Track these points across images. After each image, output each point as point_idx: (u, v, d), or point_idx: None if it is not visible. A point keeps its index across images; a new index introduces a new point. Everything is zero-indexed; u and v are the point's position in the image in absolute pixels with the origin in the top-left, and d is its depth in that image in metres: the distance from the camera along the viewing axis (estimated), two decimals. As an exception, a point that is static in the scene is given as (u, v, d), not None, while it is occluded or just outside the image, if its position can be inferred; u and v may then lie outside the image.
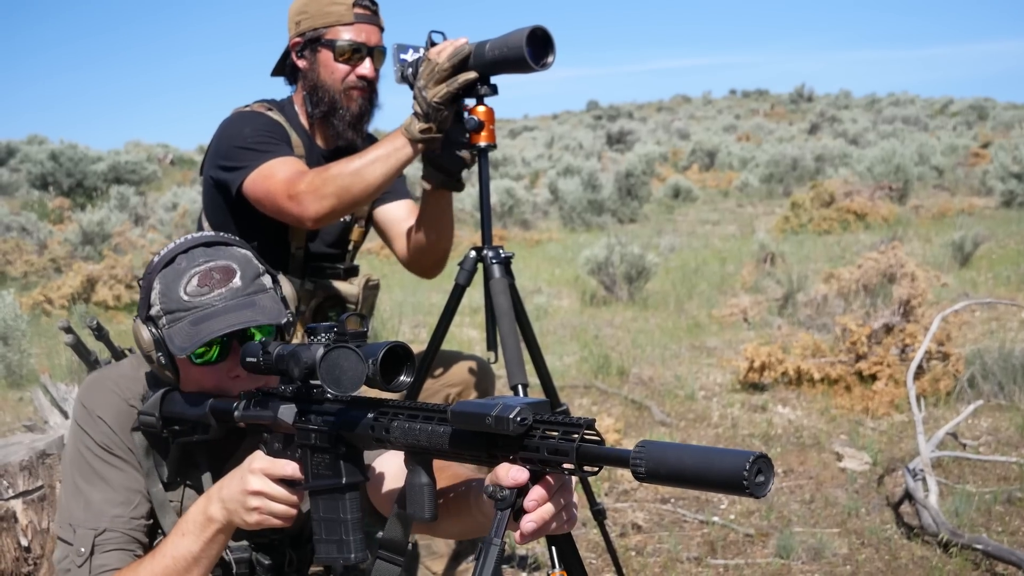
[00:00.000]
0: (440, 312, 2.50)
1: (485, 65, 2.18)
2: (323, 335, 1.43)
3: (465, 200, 12.66)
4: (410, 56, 2.32)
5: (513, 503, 1.21)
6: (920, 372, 4.84)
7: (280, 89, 2.66)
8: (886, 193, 12.86)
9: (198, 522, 1.54)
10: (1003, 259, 8.70)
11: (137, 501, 1.68)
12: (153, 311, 1.63)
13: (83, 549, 1.62)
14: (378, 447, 1.42)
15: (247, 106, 2.54)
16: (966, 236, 8.69)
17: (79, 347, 2.51)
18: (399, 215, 2.66)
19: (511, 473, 1.21)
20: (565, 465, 1.17)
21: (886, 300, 5.72)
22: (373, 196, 2.33)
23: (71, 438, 1.72)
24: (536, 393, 2.38)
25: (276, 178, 2.29)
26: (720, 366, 5.70)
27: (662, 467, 1.07)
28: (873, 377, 4.97)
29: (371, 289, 2.68)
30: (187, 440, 1.68)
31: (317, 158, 2.52)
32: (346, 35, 2.45)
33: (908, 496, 3.49)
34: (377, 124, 2.66)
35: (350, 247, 2.72)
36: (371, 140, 2.57)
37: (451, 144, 2.27)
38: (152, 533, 1.71)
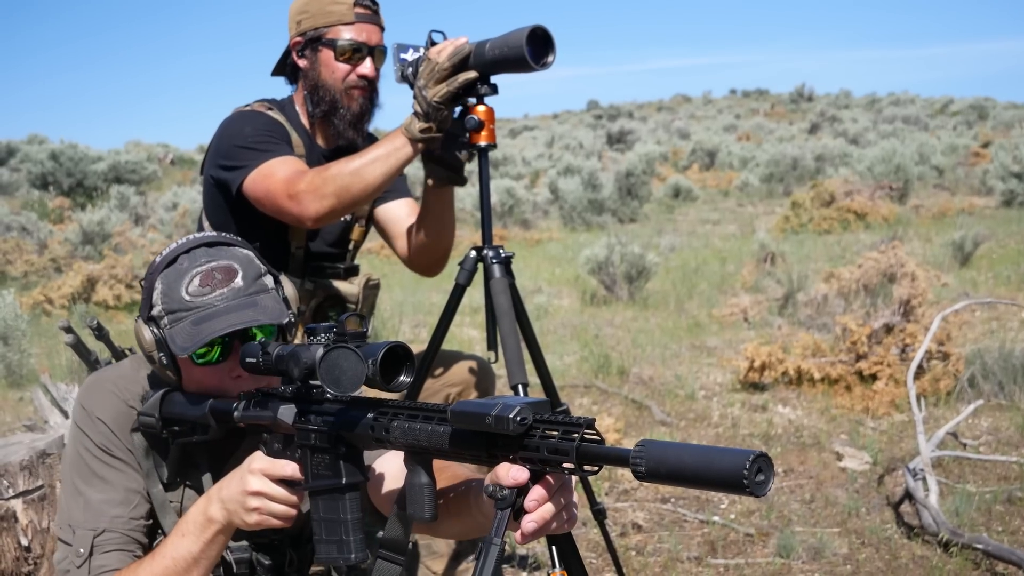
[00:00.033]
0: (440, 312, 2.50)
1: (485, 64, 2.18)
2: (323, 335, 1.43)
3: (465, 200, 12.66)
4: (410, 56, 2.32)
5: (513, 503, 1.20)
6: (920, 372, 4.84)
7: (281, 89, 2.66)
8: (886, 193, 12.86)
9: (198, 523, 1.54)
10: (1003, 259, 8.70)
11: (136, 502, 1.68)
12: (155, 311, 1.63)
13: (82, 550, 1.62)
14: (378, 447, 1.42)
15: (247, 105, 2.54)
16: (966, 236, 8.69)
17: (79, 347, 2.51)
18: (400, 214, 2.66)
19: (511, 473, 1.21)
20: (565, 465, 1.17)
21: (886, 300, 5.72)
22: (373, 196, 2.33)
23: (71, 440, 1.72)
24: (536, 393, 2.38)
25: (276, 177, 2.29)
26: (720, 366, 5.70)
27: (662, 466, 1.07)
28: (873, 377, 4.97)
29: (371, 289, 2.68)
30: (187, 441, 1.68)
31: (318, 157, 2.52)
32: (347, 34, 2.45)
33: (908, 496, 3.49)
34: (377, 123, 2.66)
35: (351, 246, 2.72)
36: (371, 139, 2.57)
37: (452, 138, 2.27)
38: (152, 534, 1.71)
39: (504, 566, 3.17)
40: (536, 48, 2.12)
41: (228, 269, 1.63)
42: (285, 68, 2.60)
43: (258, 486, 1.49)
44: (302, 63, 2.52)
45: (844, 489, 3.83)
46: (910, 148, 15.58)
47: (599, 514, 2.75)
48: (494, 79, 2.24)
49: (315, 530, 1.49)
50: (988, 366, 4.83)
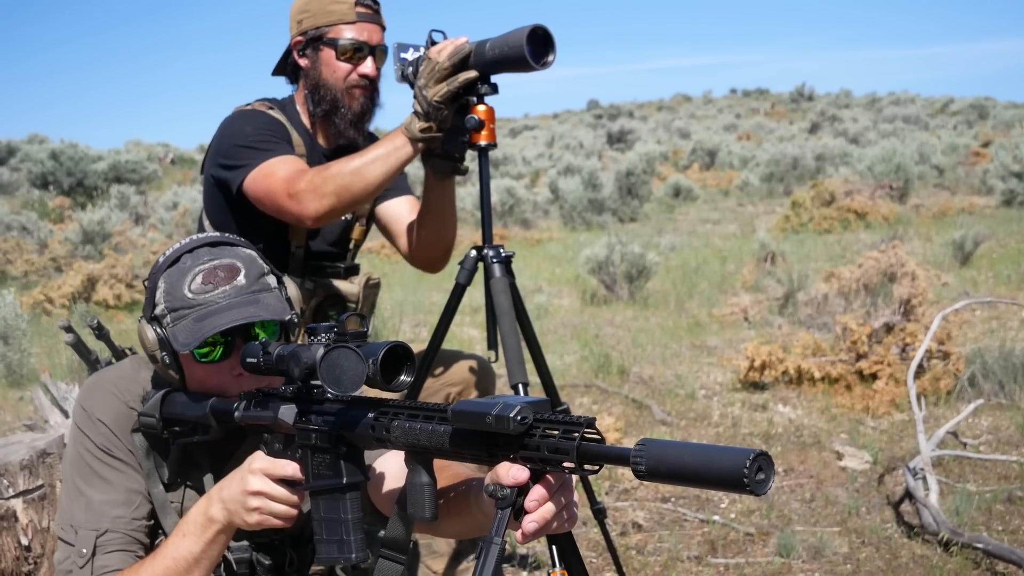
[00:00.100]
0: (441, 311, 2.50)
1: (485, 64, 2.17)
2: (323, 335, 1.43)
3: (466, 199, 12.66)
4: (410, 55, 2.32)
5: (514, 502, 1.20)
6: (920, 371, 4.84)
7: (281, 88, 2.66)
8: (886, 192, 12.86)
9: (199, 523, 1.54)
10: (1003, 258, 8.70)
11: (138, 502, 1.68)
12: (158, 310, 1.64)
13: (85, 550, 1.62)
14: (379, 447, 1.42)
15: (248, 105, 2.54)
16: (966, 235, 8.70)
17: (79, 346, 2.51)
18: (401, 211, 2.66)
19: (511, 472, 1.21)
20: (565, 464, 1.17)
21: (886, 299, 5.72)
22: (373, 195, 2.33)
23: (71, 441, 1.72)
24: (537, 392, 2.38)
25: (276, 176, 2.29)
26: (721, 365, 5.70)
27: (662, 465, 1.07)
28: (873, 376, 4.97)
29: (372, 288, 2.68)
30: (187, 441, 1.68)
31: (318, 157, 2.52)
32: (348, 34, 2.45)
33: (908, 495, 3.49)
34: (378, 123, 2.66)
35: (351, 246, 2.72)
36: (372, 139, 2.57)
37: (453, 131, 2.27)
38: (153, 534, 1.71)
39: (504, 565, 3.17)
40: (536, 47, 2.12)
41: (231, 267, 1.63)
42: (286, 67, 2.60)
43: (259, 486, 1.49)
44: (303, 62, 2.52)
45: (844, 488, 3.84)
46: (910, 148, 15.58)
47: (599, 513, 2.75)
48: (494, 78, 2.24)
49: (316, 530, 1.49)
50: (988, 365, 4.83)
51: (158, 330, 1.63)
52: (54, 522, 2.37)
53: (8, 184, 19.07)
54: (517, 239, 12.35)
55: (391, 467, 1.63)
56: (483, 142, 2.29)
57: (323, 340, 1.43)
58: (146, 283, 1.69)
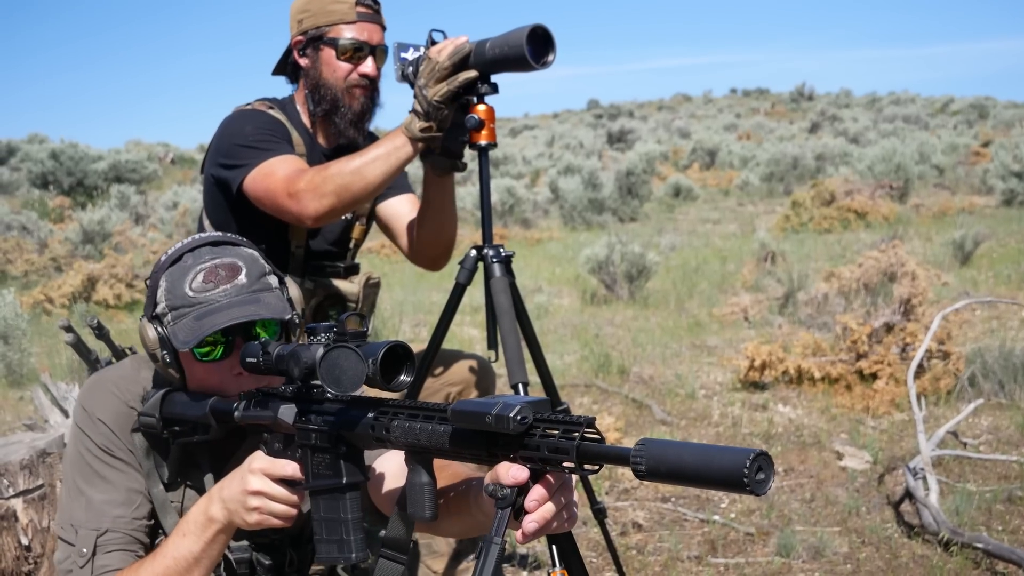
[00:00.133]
0: (441, 311, 2.50)
1: (485, 64, 2.17)
2: (323, 335, 1.43)
3: (466, 199, 12.66)
4: (411, 55, 2.32)
5: (513, 502, 1.20)
6: (921, 371, 4.84)
7: (282, 88, 2.66)
8: (887, 192, 12.86)
9: (199, 522, 1.54)
10: (1004, 258, 8.70)
11: (138, 502, 1.68)
12: (159, 309, 1.64)
13: (85, 550, 1.62)
14: (378, 446, 1.42)
15: (248, 104, 2.54)
16: (967, 235, 8.70)
17: (79, 346, 2.51)
18: (402, 210, 2.66)
19: (511, 472, 1.21)
20: (565, 464, 1.16)
21: (887, 299, 5.72)
22: (373, 195, 2.33)
23: (71, 440, 1.72)
24: (537, 392, 2.38)
25: (276, 176, 2.29)
26: (721, 365, 5.70)
27: (662, 465, 1.07)
28: (874, 376, 4.97)
29: (371, 287, 2.68)
30: (187, 441, 1.68)
31: (318, 156, 2.52)
32: (348, 33, 2.45)
33: (909, 495, 3.49)
34: (378, 123, 2.66)
35: (351, 245, 2.72)
36: (372, 138, 2.57)
37: (452, 129, 2.26)
38: (153, 534, 1.71)
39: (504, 565, 3.17)
40: (536, 47, 2.12)
41: (232, 266, 1.64)
42: (286, 67, 2.60)
43: (259, 486, 1.49)
44: (303, 62, 2.52)
45: (844, 488, 3.84)
46: (910, 147, 15.58)
47: (599, 513, 2.75)
48: (494, 78, 2.24)
49: (316, 530, 1.49)
50: (988, 365, 4.83)
51: (159, 328, 1.64)
52: (54, 522, 2.37)
53: (8, 184, 19.07)
54: (517, 239, 12.35)
55: (391, 467, 1.63)
56: (483, 142, 2.29)
57: (323, 340, 1.43)
58: (148, 282, 1.70)
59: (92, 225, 11.22)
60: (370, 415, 1.40)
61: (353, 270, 2.71)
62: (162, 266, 1.67)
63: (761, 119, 34.07)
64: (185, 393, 1.68)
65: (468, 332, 6.90)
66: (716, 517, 3.58)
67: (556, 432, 1.17)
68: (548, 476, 1.21)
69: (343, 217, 2.57)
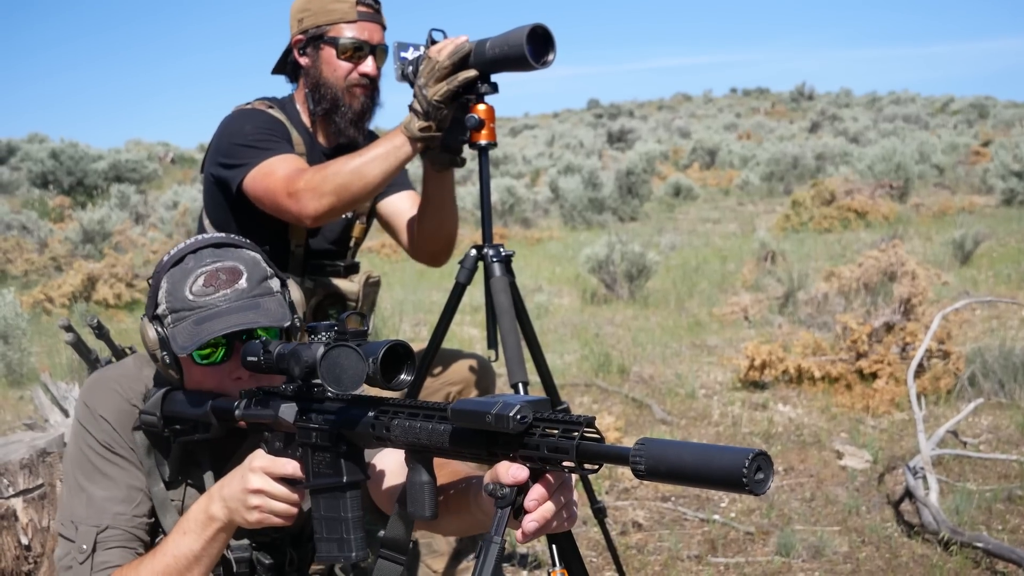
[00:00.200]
0: (441, 310, 2.50)
1: (485, 63, 2.17)
2: (323, 334, 1.43)
3: (466, 199, 12.67)
4: (411, 54, 2.32)
5: (513, 501, 1.20)
6: (921, 370, 4.84)
7: (281, 87, 2.66)
8: (887, 191, 12.86)
9: (199, 521, 1.54)
10: (1004, 257, 8.71)
11: (139, 499, 1.69)
12: (159, 310, 1.64)
13: (85, 546, 1.62)
14: (379, 445, 1.42)
15: (248, 104, 2.55)
16: (967, 234, 8.70)
17: (79, 345, 2.52)
18: (403, 207, 2.66)
19: (511, 471, 1.21)
20: (565, 463, 1.17)
21: (887, 298, 5.72)
22: (372, 194, 2.33)
23: (73, 437, 1.72)
24: (536, 391, 2.38)
25: (275, 176, 2.29)
26: (721, 364, 5.70)
27: (662, 465, 1.07)
28: (874, 375, 4.97)
29: (372, 286, 2.68)
30: (188, 439, 1.68)
31: (318, 156, 2.52)
32: (349, 33, 2.45)
33: (908, 494, 3.49)
34: (378, 122, 2.66)
35: (351, 244, 2.72)
36: (372, 137, 2.57)
37: (452, 125, 2.26)
38: (153, 532, 1.71)
39: (504, 564, 3.17)
40: (536, 47, 2.12)
41: (233, 270, 1.63)
42: (286, 66, 2.60)
43: (259, 484, 1.49)
44: (303, 61, 2.52)
45: (844, 487, 3.84)
46: (910, 147, 15.58)
47: (599, 512, 2.75)
48: (494, 78, 2.24)
49: (316, 528, 1.49)
50: (988, 364, 4.84)
51: (159, 329, 1.64)
52: (55, 519, 2.37)
53: (8, 183, 19.08)
54: (517, 238, 12.35)
55: (390, 464, 1.63)
56: (483, 141, 2.29)
57: (323, 339, 1.43)
58: (150, 281, 1.70)
59: (92, 225, 11.22)
60: (370, 414, 1.40)
61: (353, 269, 2.71)
62: (164, 266, 1.67)
63: (761, 119, 34.08)
64: (186, 392, 1.69)
65: (468, 331, 6.91)
66: (716, 516, 3.58)
67: (556, 431, 1.17)
68: (548, 475, 1.21)
69: (343, 216, 2.58)
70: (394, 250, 11.01)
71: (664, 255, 9.74)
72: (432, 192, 2.45)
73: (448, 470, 1.53)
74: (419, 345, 2.54)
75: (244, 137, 2.38)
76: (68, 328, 2.50)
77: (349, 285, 2.64)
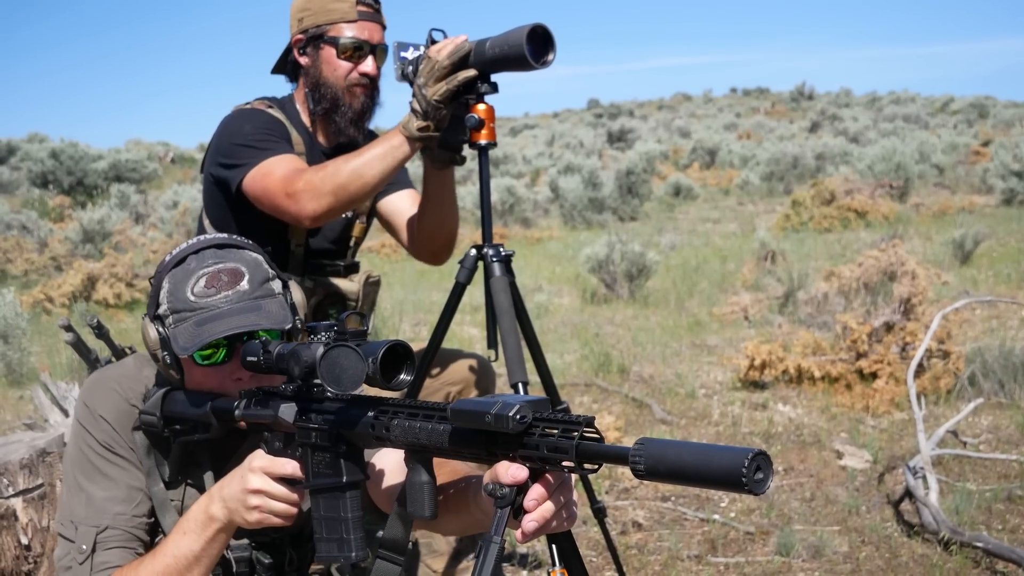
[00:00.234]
0: (440, 310, 2.50)
1: (485, 63, 2.17)
2: (323, 334, 1.43)
3: (466, 198, 12.67)
4: (411, 54, 2.32)
5: (513, 501, 1.20)
6: (920, 370, 4.84)
7: (281, 86, 2.66)
8: (887, 191, 12.87)
9: (199, 521, 1.54)
10: (1003, 257, 8.70)
11: (139, 499, 1.69)
12: (161, 310, 1.64)
13: (84, 546, 1.62)
14: (378, 445, 1.42)
15: (248, 103, 2.55)
16: (967, 234, 8.70)
17: (79, 345, 2.52)
18: (403, 205, 2.66)
19: (510, 471, 1.21)
20: (565, 463, 1.17)
21: (887, 298, 5.72)
22: (371, 194, 2.33)
23: (73, 437, 1.72)
24: (536, 391, 2.38)
25: (274, 176, 2.29)
26: (721, 364, 5.70)
27: (661, 464, 1.07)
28: (874, 375, 4.97)
29: (372, 286, 2.68)
30: (188, 439, 1.68)
31: (318, 155, 2.52)
32: (349, 32, 2.45)
33: (908, 494, 3.49)
34: (378, 122, 2.66)
35: (352, 243, 2.72)
36: (372, 137, 2.57)
37: (451, 122, 2.26)
38: (153, 532, 1.71)
39: (504, 564, 3.17)
40: (536, 46, 2.12)
41: (234, 272, 1.63)
42: (286, 66, 2.60)
43: (259, 484, 1.49)
44: (303, 60, 2.52)
45: (844, 487, 3.84)
46: (910, 146, 15.58)
47: (599, 512, 2.75)
48: (494, 77, 2.24)
49: (316, 528, 1.49)
50: (988, 364, 4.84)
51: (160, 329, 1.64)
52: (54, 519, 2.37)
53: (8, 183, 19.08)
54: (517, 238, 12.35)
55: (389, 463, 1.63)
56: (483, 141, 2.29)
57: (323, 339, 1.43)
58: (152, 281, 1.70)
59: (92, 224, 11.22)
60: (370, 414, 1.40)
61: (353, 268, 2.71)
62: (166, 266, 1.67)
63: (761, 118, 34.08)
64: (186, 392, 1.69)
65: (468, 331, 6.91)
66: (716, 516, 3.58)
67: (555, 431, 1.17)
68: (547, 475, 1.21)
69: (343, 215, 2.57)
70: (394, 250, 11.01)
71: (664, 255, 9.74)
72: (432, 190, 2.45)
73: (447, 469, 1.53)
74: (419, 345, 2.54)
75: (243, 137, 2.38)
76: (68, 328, 2.50)
77: (349, 285, 2.64)
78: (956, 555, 3.11)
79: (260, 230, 2.37)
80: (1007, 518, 3.44)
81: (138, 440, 1.70)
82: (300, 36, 2.50)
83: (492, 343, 2.42)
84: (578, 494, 2.20)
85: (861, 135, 23.76)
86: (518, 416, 1.17)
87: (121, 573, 1.60)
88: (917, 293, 5.24)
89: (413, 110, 2.21)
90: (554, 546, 2.12)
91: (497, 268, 2.37)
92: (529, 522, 1.21)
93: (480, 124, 2.25)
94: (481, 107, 2.25)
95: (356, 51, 2.46)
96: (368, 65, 2.48)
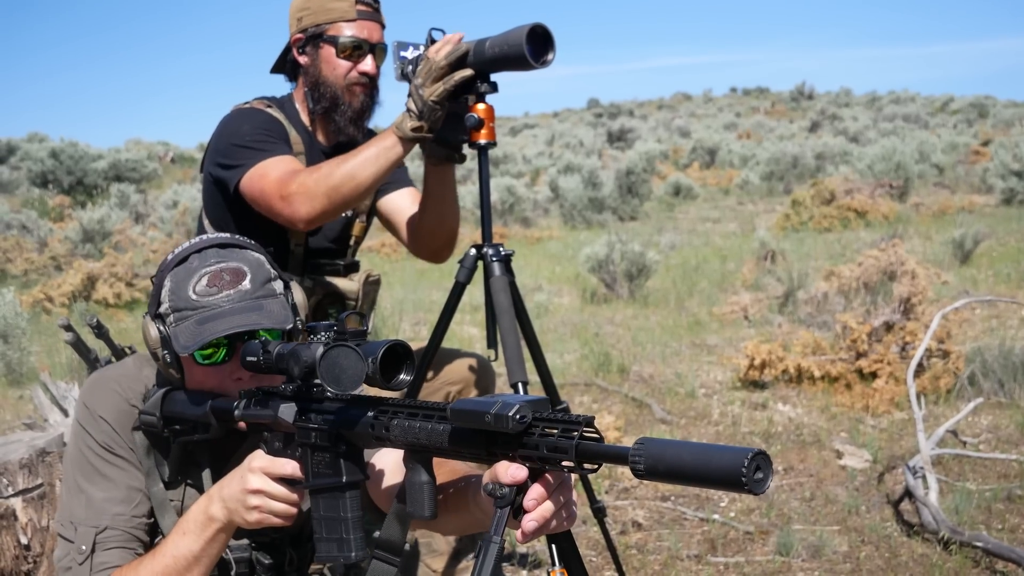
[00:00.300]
0: (440, 309, 2.50)
1: (485, 63, 2.17)
2: (323, 333, 1.43)
3: (466, 198, 12.66)
4: (410, 53, 2.32)
5: (512, 501, 1.20)
6: (920, 370, 4.84)
7: (281, 86, 2.66)
8: (886, 191, 12.87)
9: (199, 521, 1.54)
10: (1003, 256, 8.70)
11: (138, 500, 1.69)
12: (162, 308, 1.64)
13: (84, 547, 1.62)
14: (378, 445, 1.42)
15: (247, 103, 2.54)
16: (966, 234, 8.70)
17: (79, 345, 2.51)
18: (403, 204, 2.65)
19: (510, 471, 1.21)
20: (564, 463, 1.16)
21: (886, 298, 5.72)
22: (364, 196, 2.32)
23: (73, 437, 1.72)
24: (536, 391, 2.38)
25: (269, 178, 2.29)
26: (721, 364, 5.70)
27: (661, 464, 1.07)
28: (873, 375, 4.97)
29: (371, 285, 2.68)
30: (188, 439, 1.68)
31: (317, 154, 2.52)
32: (348, 31, 2.45)
33: (908, 494, 3.49)
34: (377, 121, 2.66)
35: (351, 242, 2.72)
36: (371, 136, 2.57)
37: (456, 119, 2.26)
38: (153, 532, 1.71)
39: (504, 564, 3.17)
40: (536, 46, 2.12)
41: (237, 271, 1.63)
42: (285, 65, 2.60)
43: (259, 484, 1.49)
44: (303, 60, 2.52)
45: (844, 487, 3.84)
46: (910, 146, 15.58)
47: (599, 512, 2.75)
48: (494, 77, 2.24)
49: (315, 528, 1.49)
50: (988, 364, 4.84)
51: (161, 328, 1.64)
52: (54, 519, 2.37)
53: (8, 183, 19.08)
54: (517, 237, 12.35)
55: (389, 463, 1.63)
56: (483, 141, 2.29)
57: (323, 339, 1.43)
58: (153, 279, 1.70)
59: (92, 224, 11.22)
60: (370, 414, 1.40)
61: (353, 268, 2.71)
62: (168, 265, 1.67)
63: (761, 118, 34.09)
64: (186, 392, 1.68)
65: (468, 331, 6.90)
66: (716, 516, 3.58)
67: (555, 431, 1.17)
68: (547, 475, 1.21)
69: (343, 215, 2.57)
70: (394, 249, 11.01)
71: (664, 254, 9.74)
72: (433, 187, 2.45)
73: (447, 469, 1.53)
74: (419, 344, 2.54)
75: (241, 138, 2.37)
76: (68, 327, 2.50)
77: (349, 284, 2.64)
78: (956, 555, 3.11)
79: (259, 229, 2.37)
80: (1007, 518, 3.44)
81: (138, 440, 1.70)
82: (299, 35, 2.50)
83: (492, 343, 2.42)
84: (578, 494, 2.20)
85: (861, 135, 23.76)
86: (518, 416, 1.17)
87: (120, 573, 1.60)
88: (917, 293, 5.24)
89: (408, 110, 2.21)
90: (554, 546, 2.12)
91: (497, 268, 2.37)
92: (529, 522, 1.20)
93: (480, 124, 2.25)
94: (481, 107, 2.25)
95: (355, 50, 2.46)
96: (367, 64, 2.48)
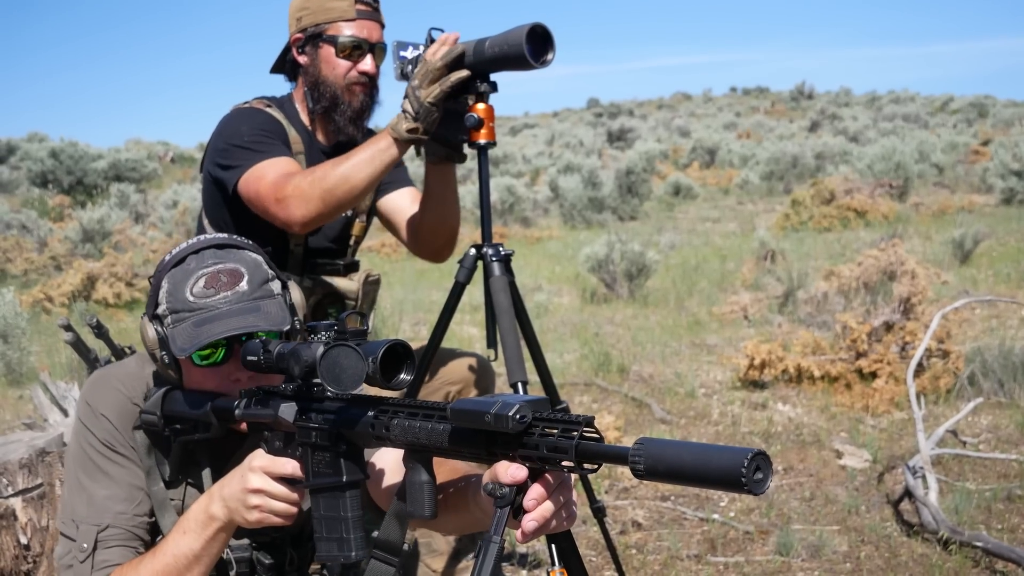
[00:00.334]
0: (440, 309, 2.50)
1: (485, 62, 2.17)
2: (323, 333, 1.43)
3: (466, 198, 12.66)
4: (410, 53, 2.32)
5: (512, 500, 1.20)
6: (920, 370, 4.84)
7: (280, 86, 2.66)
8: (886, 190, 12.87)
9: (199, 520, 1.54)
10: (1003, 256, 8.71)
11: (140, 498, 1.69)
12: (159, 309, 1.64)
13: (85, 545, 1.63)
14: (378, 445, 1.42)
15: (247, 103, 2.54)
16: (966, 233, 8.70)
17: (79, 345, 2.52)
18: (403, 203, 2.65)
19: (510, 471, 1.21)
20: (564, 463, 1.17)
21: (886, 298, 5.72)
22: (360, 198, 2.31)
23: (74, 435, 1.72)
24: (536, 391, 2.38)
25: (265, 180, 2.28)
26: (720, 363, 5.70)
27: (660, 464, 1.07)
28: (873, 375, 4.97)
29: (371, 284, 2.68)
30: (188, 439, 1.68)
31: (317, 154, 2.52)
32: (348, 31, 2.45)
33: (908, 493, 3.49)
34: (377, 120, 2.66)
35: (351, 242, 2.72)
36: (371, 135, 2.57)
37: (456, 118, 2.26)
38: (154, 531, 1.71)
39: (504, 564, 3.17)
40: (536, 46, 2.12)
41: (234, 272, 1.63)
42: (285, 65, 2.60)
43: (259, 484, 1.49)
44: (302, 59, 2.52)
45: (844, 487, 3.84)
46: (910, 146, 15.58)
47: (599, 512, 2.75)
48: (494, 77, 2.24)
49: (316, 528, 1.49)
50: (988, 364, 4.84)
51: (159, 329, 1.64)
52: (54, 518, 2.37)
53: (8, 182, 19.08)
54: (517, 237, 12.35)
55: (389, 462, 1.63)
56: (483, 140, 2.29)
57: (323, 338, 1.43)
58: (151, 280, 1.70)
59: (92, 224, 11.22)
60: (370, 413, 1.40)
61: (353, 267, 2.71)
62: (166, 266, 1.67)
63: (761, 118, 34.09)
64: (186, 391, 1.69)
65: (468, 331, 6.91)
66: (715, 516, 3.58)
67: (555, 431, 1.17)
68: (547, 475, 1.21)
69: (343, 214, 2.57)
70: (394, 249, 11.01)
71: (664, 254, 9.74)
72: (434, 187, 2.45)
73: (447, 468, 1.53)
74: (419, 344, 2.54)
75: (240, 138, 2.37)
76: (67, 327, 2.50)
77: (348, 284, 2.64)
78: (955, 554, 3.11)
79: (258, 229, 2.37)
80: (1006, 517, 3.45)
81: (138, 439, 1.70)
82: (299, 35, 2.50)
83: (492, 343, 2.42)
84: (577, 494, 2.20)
85: (861, 134, 23.76)
86: (518, 416, 1.17)
87: (121, 572, 1.60)
88: (917, 292, 5.24)
89: (404, 111, 2.20)
90: (554, 546, 2.12)
91: (497, 267, 2.37)
92: (529, 522, 1.21)
93: (479, 124, 2.25)
94: (481, 106, 2.25)
95: (355, 50, 2.46)
96: (367, 64, 2.48)
